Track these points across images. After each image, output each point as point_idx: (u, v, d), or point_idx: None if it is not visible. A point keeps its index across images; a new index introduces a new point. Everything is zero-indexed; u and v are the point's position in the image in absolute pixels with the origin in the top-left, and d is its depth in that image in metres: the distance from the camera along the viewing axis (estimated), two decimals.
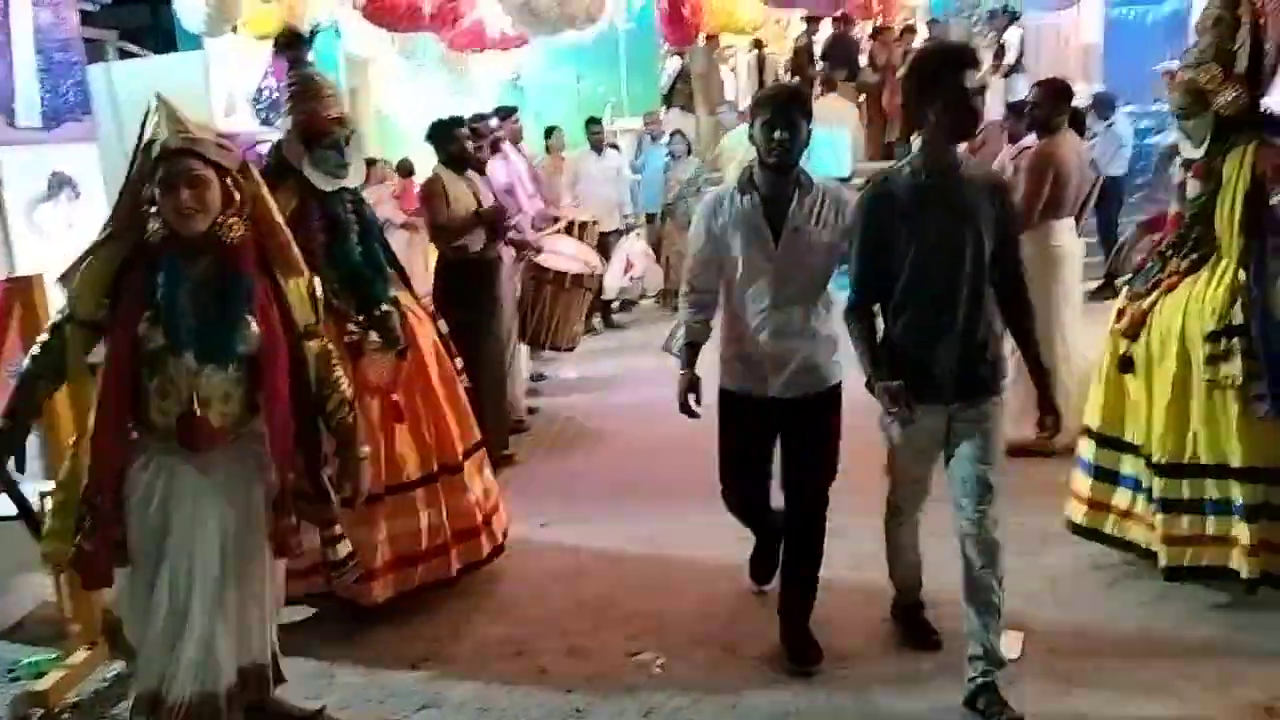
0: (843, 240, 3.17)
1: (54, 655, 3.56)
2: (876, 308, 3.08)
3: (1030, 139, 6.47)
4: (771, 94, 3.27)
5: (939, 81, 2.82)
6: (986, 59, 12.32)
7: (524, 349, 6.62)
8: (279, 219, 2.65)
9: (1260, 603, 3.48)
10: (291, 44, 3.72)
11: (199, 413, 2.53)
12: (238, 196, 2.53)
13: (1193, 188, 3.61)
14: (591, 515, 4.87)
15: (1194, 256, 3.59)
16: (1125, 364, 3.71)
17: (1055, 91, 5.31)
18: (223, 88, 8.59)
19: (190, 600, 2.54)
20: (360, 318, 3.61)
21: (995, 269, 2.95)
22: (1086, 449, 3.91)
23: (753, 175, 3.21)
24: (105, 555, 2.53)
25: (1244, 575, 3.43)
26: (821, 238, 3.18)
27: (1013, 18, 11.72)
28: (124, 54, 12.50)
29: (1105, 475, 3.83)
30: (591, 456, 5.83)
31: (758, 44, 12.96)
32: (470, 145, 5.49)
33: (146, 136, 2.53)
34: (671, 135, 9.76)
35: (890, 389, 2.92)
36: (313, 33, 3.70)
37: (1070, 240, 5.38)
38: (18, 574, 3.79)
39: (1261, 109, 3.51)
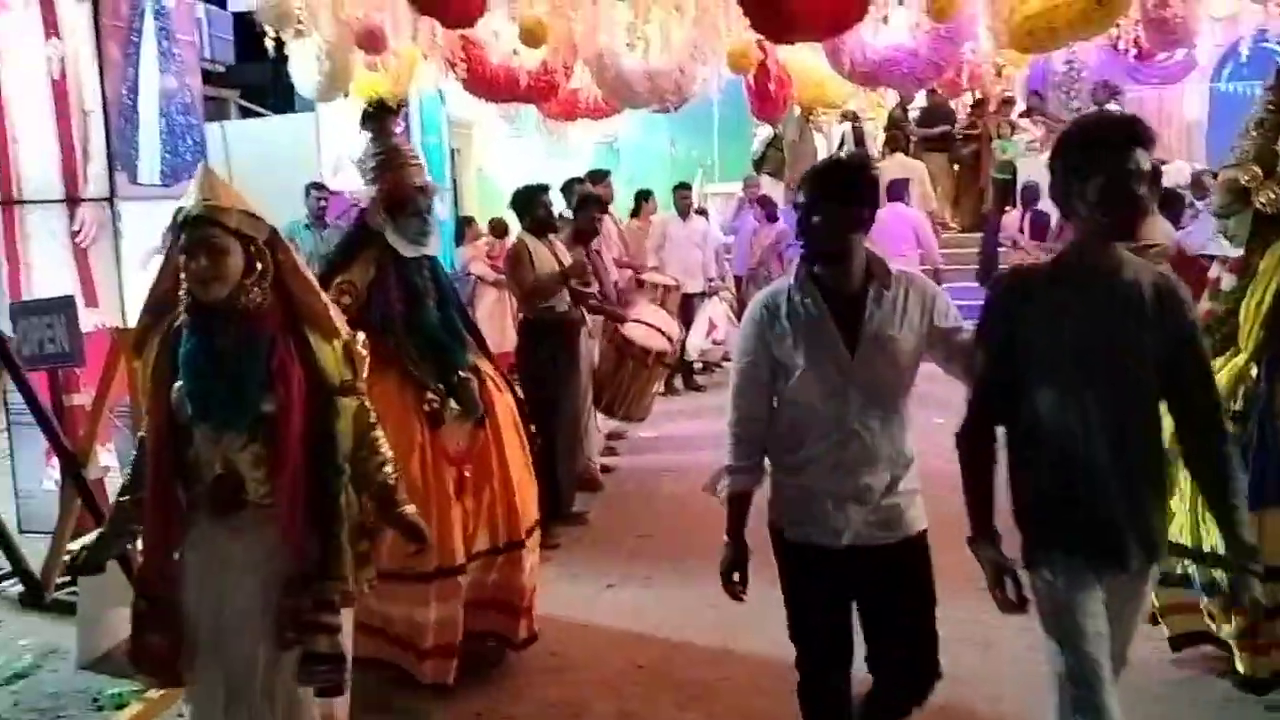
0: (933, 344, 2.59)
1: (136, 688, 3.73)
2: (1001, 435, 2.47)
3: None
4: (812, 172, 2.62)
5: (1096, 162, 2.25)
6: None
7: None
8: (314, 285, 2.60)
9: None
10: (377, 115, 3.80)
11: (222, 473, 2.46)
12: (259, 265, 2.47)
13: (1228, 282, 3.61)
14: (655, 578, 4.93)
15: (1219, 349, 3.50)
16: None
17: None
18: (331, 148, 9.06)
19: (237, 688, 2.47)
20: (439, 385, 3.64)
21: (1170, 389, 2.33)
22: None
23: (813, 267, 2.57)
24: (171, 647, 2.44)
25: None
26: (907, 343, 2.54)
27: (1114, 92, 11.57)
28: (244, 111, 13.25)
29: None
30: (661, 519, 5.89)
31: (852, 115, 13.09)
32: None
33: (184, 200, 2.50)
34: (758, 201, 9.91)
35: (1000, 568, 2.37)
36: (399, 105, 3.80)
37: None
38: (107, 608, 3.99)
39: None
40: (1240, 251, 3.56)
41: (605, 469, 6.74)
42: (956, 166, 12.79)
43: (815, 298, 2.55)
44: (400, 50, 6.79)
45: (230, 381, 2.42)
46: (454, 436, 3.66)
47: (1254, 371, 3.39)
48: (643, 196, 9.72)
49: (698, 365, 9.70)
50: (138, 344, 2.57)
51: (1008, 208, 9.81)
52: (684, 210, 9.18)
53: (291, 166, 8.52)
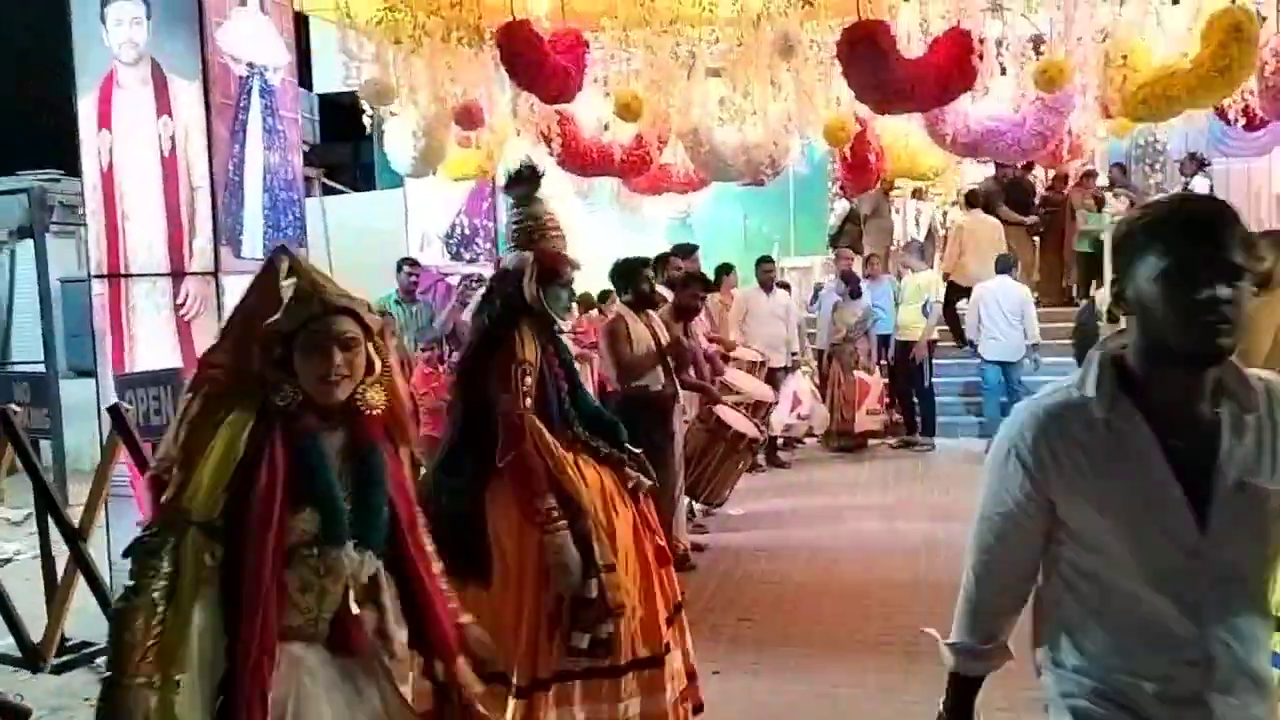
0: None
1: None
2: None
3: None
4: (1189, 211, 1.63)
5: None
6: None
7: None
8: (404, 385, 2.36)
9: None
10: (526, 179, 3.53)
11: (356, 610, 2.16)
12: (378, 363, 2.21)
13: None
14: (762, 665, 4.72)
15: None
16: None
17: None
18: (419, 223, 9.18)
19: None
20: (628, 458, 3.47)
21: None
22: None
23: (1135, 374, 1.67)
24: None
25: None
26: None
27: (1201, 164, 11.34)
28: (327, 189, 13.57)
29: None
30: (760, 602, 5.67)
31: (918, 193, 13.03)
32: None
33: (285, 291, 2.16)
34: (842, 276, 9.80)
35: None
36: (536, 173, 3.63)
37: None
38: None
39: None
40: None
41: (697, 547, 6.56)
42: (1037, 239, 12.58)
43: (1134, 421, 1.65)
44: (495, 126, 6.88)
45: (366, 496, 2.17)
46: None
47: None
48: (723, 270, 9.66)
49: (780, 441, 9.52)
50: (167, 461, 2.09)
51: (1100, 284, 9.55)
52: (767, 284, 9.09)
53: (382, 242, 8.63)
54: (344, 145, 16.25)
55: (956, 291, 10.89)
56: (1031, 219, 12.19)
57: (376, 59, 6.51)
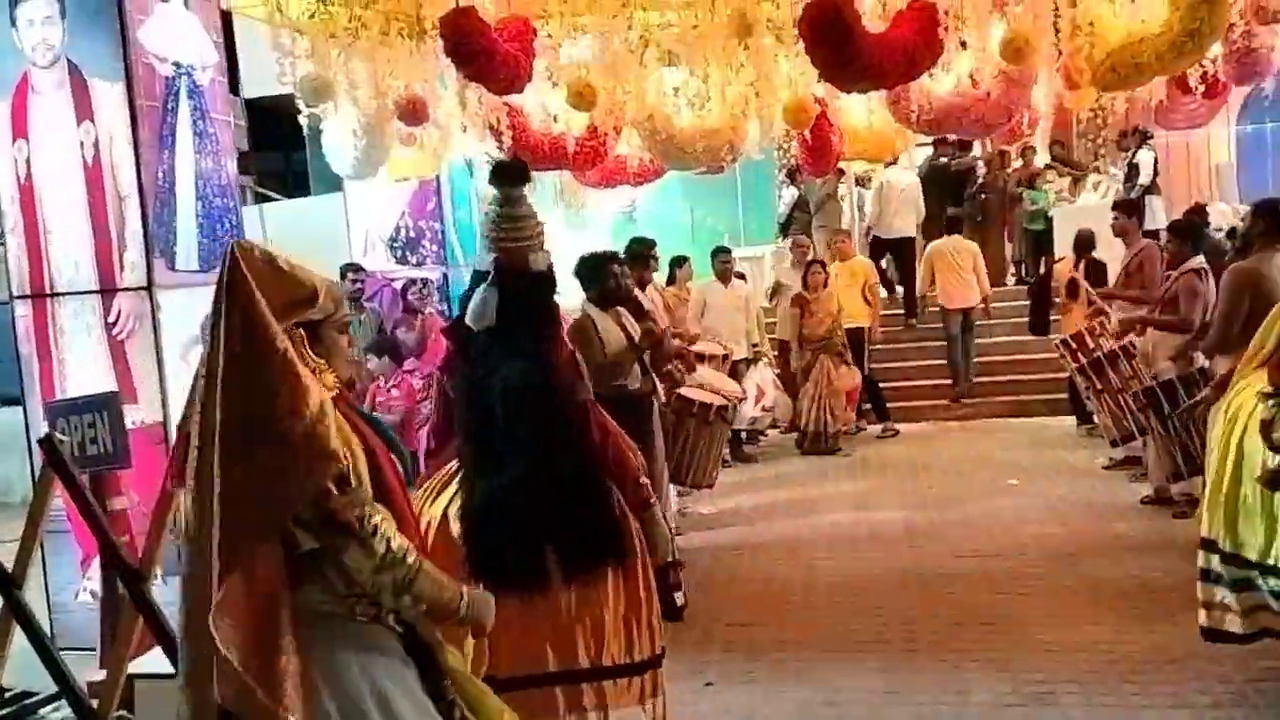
0: None
1: None
2: None
3: (1197, 261, 6.16)
4: None
5: None
6: (1117, 181, 12.12)
7: (672, 490, 6.36)
8: None
9: None
10: (514, 173, 3.47)
11: None
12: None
13: None
14: (757, 674, 4.49)
15: None
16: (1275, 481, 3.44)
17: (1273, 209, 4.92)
18: (361, 227, 8.81)
19: None
20: None
21: None
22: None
23: None
24: None
25: None
26: None
27: (1145, 138, 11.40)
28: (259, 197, 13.10)
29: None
30: (748, 604, 5.44)
31: (860, 181, 12.92)
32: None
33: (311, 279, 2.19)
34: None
35: None
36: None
37: None
38: None
39: None
40: None
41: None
42: (980, 218, 12.48)
43: None
44: (440, 122, 6.56)
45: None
46: None
47: None
48: (677, 263, 9.42)
49: (744, 435, 9.32)
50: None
51: (1055, 258, 9.53)
52: (725, 275, 8.87)
53: (323, 248, 8.24)
54: (275, 153, 15.72)
55: (880, 247, 11.51)
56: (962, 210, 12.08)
57: (312, 54, 6.16)
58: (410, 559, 2.04)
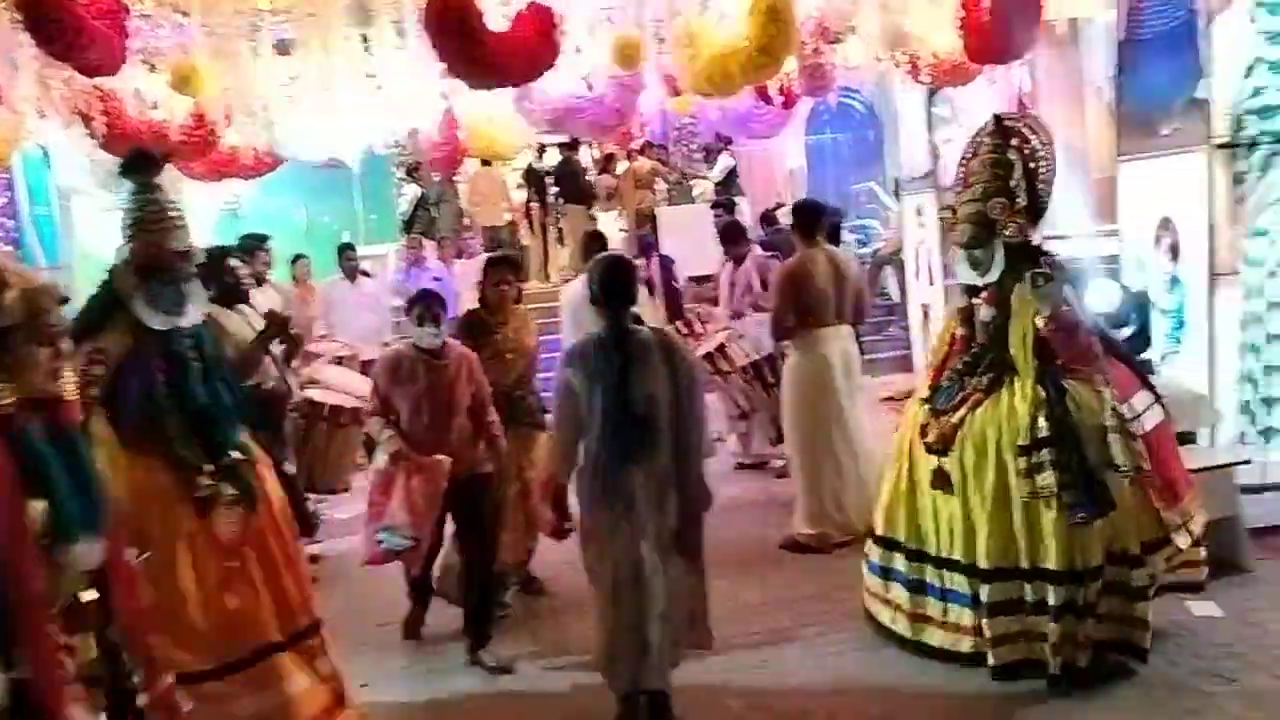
0: None
1: None
2: None
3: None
4: None
5: None
6: (710, 183, 13.36)
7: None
8: None
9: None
10: (141, 165, 3.38)
11: None
12: None
13: (986, 313, 3.91)
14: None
15: (991, 375, 3.87)
16: (942, 480, 3.86)
17: (810, 209, 5.80)
18: None
19: None
20: (211, 467, 3.29)
21: None
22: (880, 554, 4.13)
23: None
24: None
25: (1051, 670, 3.66)
26: None
27: (727, 143, 12.66)
28: None
29: (918, 586, 4.01)
30: (398, 605, 5.35)
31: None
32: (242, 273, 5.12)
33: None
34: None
35: None
36: (165, 156, 3.48)
37: (837, 345, 5.66)
38: None
39: (1033, 241, 3.93)
40: (986, 280, 3.86)
41: (313, 558, 6.06)
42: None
43: None
44: (15, 105, 5.76)
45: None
46: (227, 522, 3.29)
47: (1043, 393, 3.68)
48: (294, 261, 9.00)
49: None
50: None
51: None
52: (351, 273, 8.64)
53: None
54: None
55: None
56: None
57: None
58: None
